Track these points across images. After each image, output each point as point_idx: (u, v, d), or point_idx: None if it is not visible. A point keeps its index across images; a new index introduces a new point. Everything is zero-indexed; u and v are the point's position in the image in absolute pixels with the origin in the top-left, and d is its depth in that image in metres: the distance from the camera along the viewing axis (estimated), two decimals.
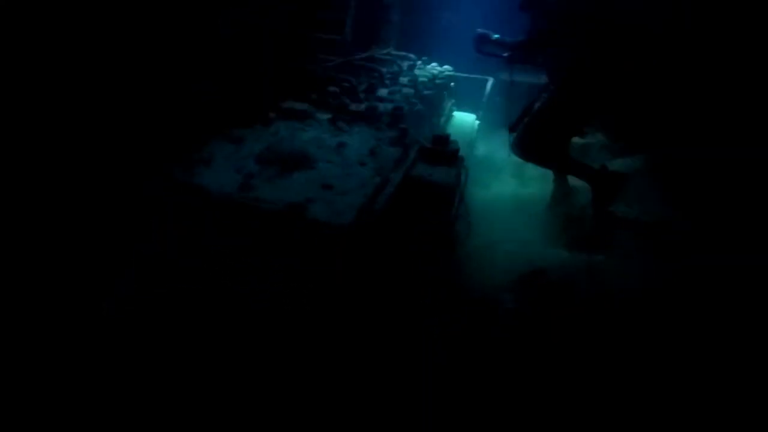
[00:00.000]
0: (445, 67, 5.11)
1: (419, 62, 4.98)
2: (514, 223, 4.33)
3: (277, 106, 2.40)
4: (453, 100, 5.19)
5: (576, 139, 4.64)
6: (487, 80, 6.95)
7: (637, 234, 3.74)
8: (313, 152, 1.98)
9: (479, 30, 4.04)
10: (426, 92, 3.42)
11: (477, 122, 5.44)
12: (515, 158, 4.36)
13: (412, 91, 3.35)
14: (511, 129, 4.02)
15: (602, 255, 3.38)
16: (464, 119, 5.15)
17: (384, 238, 1.98)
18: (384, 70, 3.71)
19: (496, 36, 3.95)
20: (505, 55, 4.10)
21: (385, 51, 4.62)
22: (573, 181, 4.22)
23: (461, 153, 2.44)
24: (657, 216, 4.07)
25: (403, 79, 3.89)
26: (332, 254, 1.54)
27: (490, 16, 7.09)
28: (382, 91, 3.24)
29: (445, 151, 2.30)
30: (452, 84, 5.18)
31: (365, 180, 1.87)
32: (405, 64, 4.42)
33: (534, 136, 3.80)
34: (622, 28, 3.38)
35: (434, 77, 4.08)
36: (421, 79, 4.03)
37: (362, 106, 2.66)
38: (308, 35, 2.97)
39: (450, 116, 4.92)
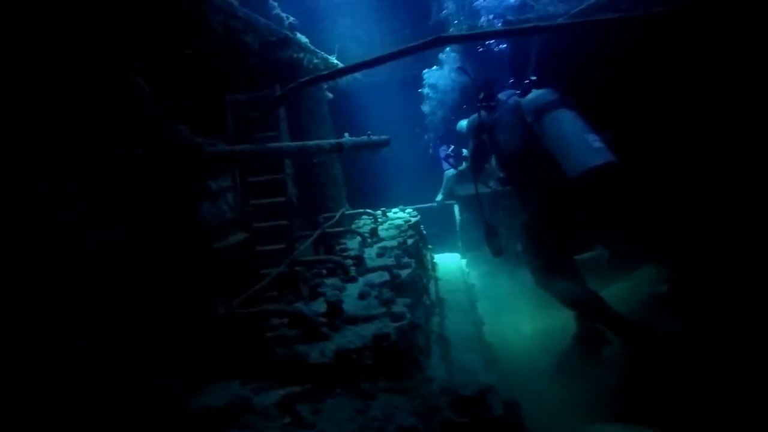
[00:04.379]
0: (408, 211, 4.39)
1: (379, 214, 4.24)
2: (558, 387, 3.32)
3: (179, 407, 1.41)
4: (430, 246, 4.40)
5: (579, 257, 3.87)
6: (452, 205, 6.35)
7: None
8: None
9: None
10: (404, 273, 2.55)
11: (464, 261, 4.63)
12: (525, 281, 3.76)
13: (387, 276, 2.48)
14: (497, 254, 3.61)
15: None
16: (449, 265, 4.32)
17: None
18: (343, 255, 2.87)
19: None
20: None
21: (338, 215, 3.85)
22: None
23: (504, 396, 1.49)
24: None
25: (371, 254, 3.04)
26: None
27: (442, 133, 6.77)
28: (351, 292, 2.34)
29: (485, 421, 1.33)
30: (422, 226, 4.42)
31: None
32: (366, 227, 3.63)
33: (540, 260, 3.28)
34: None
35: (405, 239, 3.26)
36: (390, 243, 3.21)
37: (329, 351, 1.70)
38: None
39: (434, 267, 4.07)
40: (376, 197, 5.84)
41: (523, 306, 4.28)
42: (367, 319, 2.00)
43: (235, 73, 3.54)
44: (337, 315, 1.93)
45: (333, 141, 2.62)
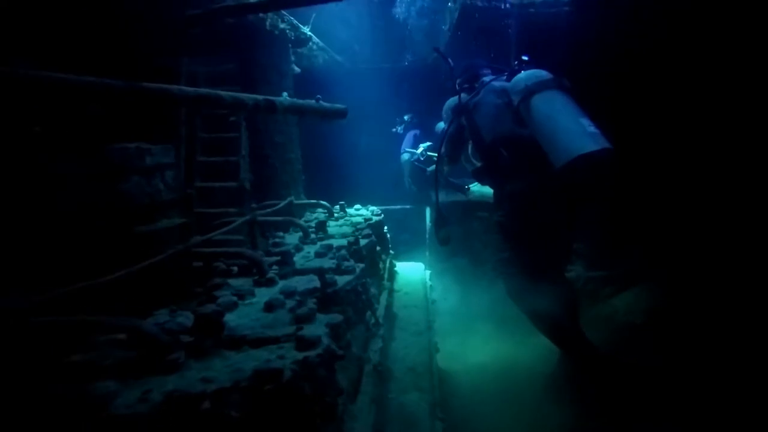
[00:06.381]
0: (372, 209, 3.77)
1: (337, 209, 3.61)
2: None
3: None
4: (392, 252, 3.79)
5: None
6: (424, 209, 5.78)
7: None
8: None
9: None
10: (342, 281, 1.94)
11: (428, 272, 4.02)
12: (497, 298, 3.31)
13: (317, 282, 1.86)
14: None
15: None
16: (411, 275, 3.71)
17: None
18: (272, 251, 2.25)
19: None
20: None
21: (282, 203, 3.23)
22: None
23: None
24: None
25: (310, 252, 2.43)
26: None
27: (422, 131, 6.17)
28: (259, 300, 1.72)
29: None
30: (386, 229, 3.80)
31: None
32: (313, 221, 3.01)
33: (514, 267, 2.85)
34: None
35: (357, 238, 2.65)
36: (339, 242, 2.60)
37: (158, 393, 1.07)
38: None
39: (392, 276, 3.46)
40: (346, 195, 5.22)
41: (490, 326, 3.74)
42: (261, 342, 1.37)
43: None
44: (210, 333, 1.30)
45: (260, 97, 2.00)
